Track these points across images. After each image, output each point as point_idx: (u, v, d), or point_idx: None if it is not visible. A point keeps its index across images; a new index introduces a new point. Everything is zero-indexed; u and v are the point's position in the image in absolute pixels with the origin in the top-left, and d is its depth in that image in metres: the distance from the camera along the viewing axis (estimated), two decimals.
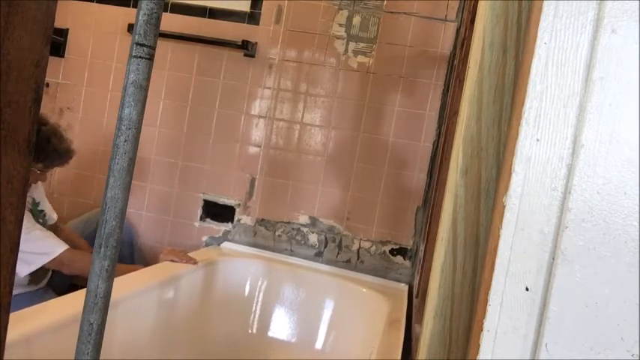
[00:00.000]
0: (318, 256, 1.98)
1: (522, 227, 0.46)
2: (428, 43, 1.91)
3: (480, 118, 0.59)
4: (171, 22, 2.03)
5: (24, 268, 1.43)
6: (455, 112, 1.14)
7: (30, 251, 1.42)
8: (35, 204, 1.64)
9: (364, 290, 1.76)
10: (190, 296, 1.66)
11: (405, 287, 1.84)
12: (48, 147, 1.48)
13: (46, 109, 2.10)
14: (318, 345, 1.77)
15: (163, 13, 0.66)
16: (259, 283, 1.86)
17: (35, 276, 1.55)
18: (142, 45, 0.53)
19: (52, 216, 1.73)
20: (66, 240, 1.71)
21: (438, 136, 1.89)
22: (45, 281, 1.62)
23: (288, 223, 2.01)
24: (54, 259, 1.45)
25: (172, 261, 1.62)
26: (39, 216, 1.63)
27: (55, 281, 1.68)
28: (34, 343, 0.96)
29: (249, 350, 1.75)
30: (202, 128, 2.06)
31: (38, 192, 1.66)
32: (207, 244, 2.05)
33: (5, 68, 0.32)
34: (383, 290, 1.76)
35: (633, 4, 0.43)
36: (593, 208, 0.44)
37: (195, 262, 1.65)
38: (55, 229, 1.73)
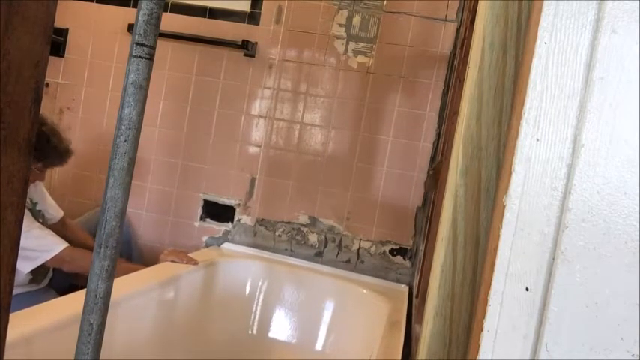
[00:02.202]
0: (318, 256, 1.98)
1: (522, 227, 0.46)
2: (428, 43, 1.91)
3: (479, 118, 0.59)
4: (171, 22, 2.03)
5: (26, 265, 1.43)
6: (455, 112, 1.14)
7: (31, 248, 1.42)
8: (34, 204, 1.64)
9: (364, 291, 1.76)
10: (191, 297, 1.66)
11: (405, 288, 1.84)
12: (48, 146, 1.48)
13: (46, 109, 2.10)
14: (318, 346, 1.77)
15: (163, 13, 0.66)
16: (259, 283, 1.86)
17: (36, 275, 1.55)
18: (142, 45, 0.53)
19: (57, 215, 1.73)
20: (73, 235, 1.73)
21: (438, 136, 1.89)
22: (46, 281, 1.62)
23: (288, 223, 2.01)
24: (55, 256, 1.45)
25: (173, 261, 1.62)
26: (38, 216, 1.63)
27: (56, 281, 1.68)
28: (34, 343, 0.96)
29: (250, 351, 1.75)
30: (202, 128, 2.06)
31: (37, 193, 1.66)
32: (207, 244, 2.05)
33: (5, 68, 0.32)
34: (383, 291, 1.75)
35: (633, 4, 0.43)
36: (593, 208, 0.44)
37: (195, 263, 1.65)
38: (63, 225, 1.75)
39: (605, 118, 0.44)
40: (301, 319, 1.81)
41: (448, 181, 0.63)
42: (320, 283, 1.83)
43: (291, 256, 1.98)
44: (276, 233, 2.01)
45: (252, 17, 2.02)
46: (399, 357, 1.16)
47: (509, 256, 0.46)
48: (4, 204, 0.34)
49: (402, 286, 1.86)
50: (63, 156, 1.55)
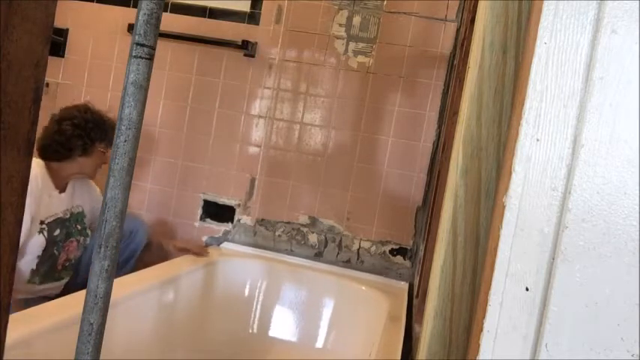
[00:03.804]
0: (318, 256, 1.98)
1: (522, 227, 0.46)
2: (428, 43, 1.91)
3: (479, 118, 0.59)
4: (171, 22, 2.03)
5: None
6: (455, 112, 1.14)
7: None
8: (80, 214, 1.62)
9: (364, 288, 1.77)
10: (191, 296, 1.66)
11: (405, 285, 1.84)
12: (103, 125, 1.53)
13: (46, 109, 2.09)
14: (319, 344, 1.77)
15: (163, 13, 0.66)
16: (259, 282, 1.86)
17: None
18: (142, 45, 0.53)
19: None
20: None
21: (438, 136, 1.89)
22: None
23: (288, 223, 2.01)
24: None
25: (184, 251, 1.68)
26: (79, 221, 1.61)
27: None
28: (34, 344, 0.96)
29: (250, 350, 1.75)
30: (202, 128, 2.06)
31: (89, 196, 1.66)
32: (207, 245, 2.05)
33: (5, 68, 0.32)
34: (383, 288, 1.76)
35: (633, 4, 0.43)
36: (593, 208, 0.44)
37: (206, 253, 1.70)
38: None
39: (605, 118, 0.44)
40: (301, 317, 1.82)
41: (448, 181, 0.63)
42: (320, 281, 1.84)
43: (291, 255, 1.98)
44: (276, 233, 2.01)
45: (252, 17, 2.02)
46: (399, 353, 1.16)
47: (509, 256, 0.46)
48: (4, 204, 0.34)
49: (402, 282, 1.87)
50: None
